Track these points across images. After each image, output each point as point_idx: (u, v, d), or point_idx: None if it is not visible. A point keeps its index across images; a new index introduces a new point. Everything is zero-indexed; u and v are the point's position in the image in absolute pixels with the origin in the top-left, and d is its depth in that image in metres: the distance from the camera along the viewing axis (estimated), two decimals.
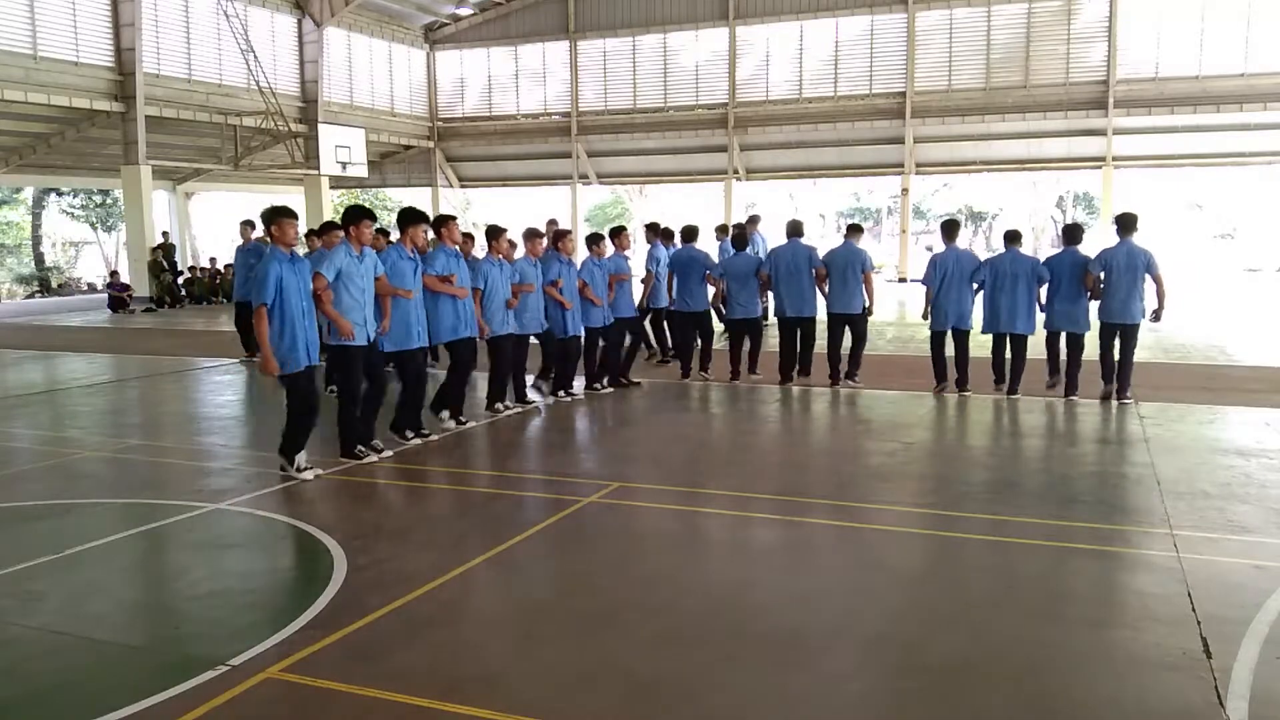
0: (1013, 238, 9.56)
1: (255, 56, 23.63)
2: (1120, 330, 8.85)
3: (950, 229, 9.84)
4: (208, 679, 3.66)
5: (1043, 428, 8.27)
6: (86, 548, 5.39)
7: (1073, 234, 9.53)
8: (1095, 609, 4.30)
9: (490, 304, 8.70)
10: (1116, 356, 8.92)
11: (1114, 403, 8.92)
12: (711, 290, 10.88)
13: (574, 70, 29.33)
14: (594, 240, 10.13)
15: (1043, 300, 9.31)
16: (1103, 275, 8.90)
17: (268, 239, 6.67)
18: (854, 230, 10.45)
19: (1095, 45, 24.45)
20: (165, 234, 24.88)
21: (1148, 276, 8.82)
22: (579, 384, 10.12)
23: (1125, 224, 8.95)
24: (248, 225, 13.02)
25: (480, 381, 9.57)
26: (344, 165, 25.35)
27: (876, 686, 3.65)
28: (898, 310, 19.28)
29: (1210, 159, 25.58)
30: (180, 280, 24.60)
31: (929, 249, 35.57)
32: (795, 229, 10.55)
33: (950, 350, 9.66)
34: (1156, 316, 9.06)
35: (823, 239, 36.16)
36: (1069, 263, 9.15)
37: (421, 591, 4.57)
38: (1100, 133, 24.86)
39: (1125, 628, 4.08)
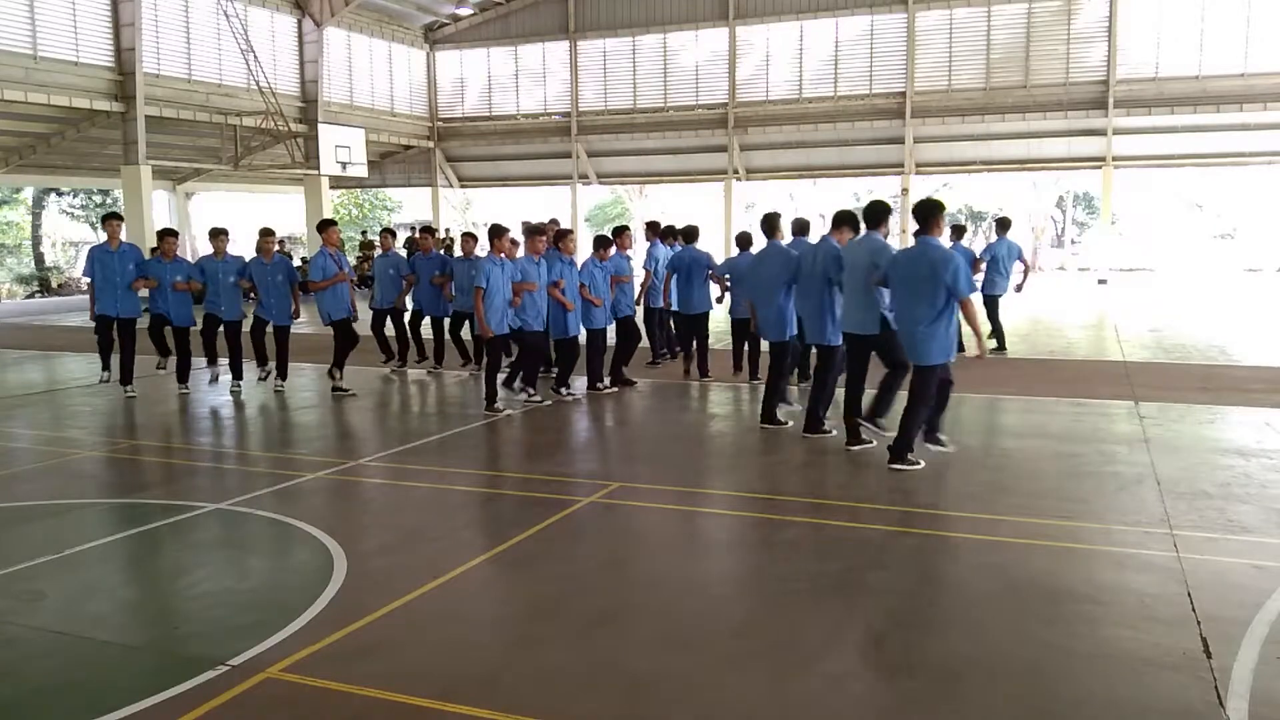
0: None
1: (255, 56, 23.61)
2: (999, 299, 12.28)
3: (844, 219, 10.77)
4: (208, 679, 3.66)
5: (1042, 428, 8.26)
6: (86, 548, 5.39)
7: (959, 231, 12.05)
8: (1095, 609, 4.29)
9: (492, 303, 8.72)
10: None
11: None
12: (716, 290, 10.88)
13: (574, 70, 29.31)
14: (601, 244, 10.12)
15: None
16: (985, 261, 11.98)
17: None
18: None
19: (1095, 45, 24.44)
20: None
21: (1019, 262, 12.54)
22: (579, 384, 10.13)
23: (1004, 224, 12.99)
24: (115, 220, 10.45)
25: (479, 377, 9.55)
26: (344, 165, 25.33)
27: (876, 686, 3.65)
28: None
29: (1210, 159, 25.57)
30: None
31: None
32: (801, 228, 10.52)
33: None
34: (1020, 288, 13.06)
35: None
36: (961, 253, 11.18)
37: (421, 591, 4.57)
38: (1100, 133, 24.84)
39: (1125, 628, 4.07)
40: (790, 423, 8.24)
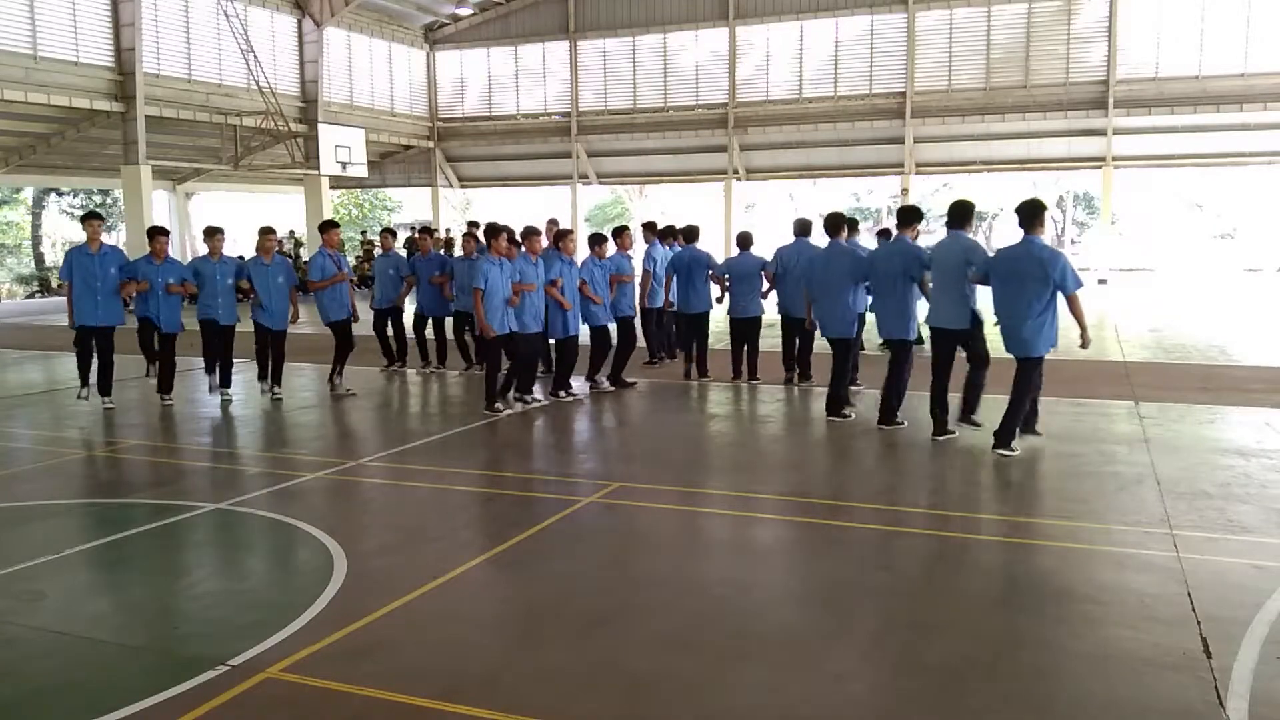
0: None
1: (255, 56, 23.61)
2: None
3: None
4: (208, 679, 3.66)
5: (1042, 428, 8.25)
6: (86, 548, 5.40)
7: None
8: (1095, 609, 4.29)
9: (490, 303, 8.71)
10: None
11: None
12: (716, 289, 10.88)
13: (574, 70, 29.32)
14: (596, 241, 10.13)
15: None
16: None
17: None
18: (851, 227, 10.40)
19: (1095, 45, 24.44)
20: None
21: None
22: (579, 384, 10.13)
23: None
24: (95, 219, 9.48)
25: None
26: (344, 165, 25.33)
27: (876, 686, 3.65)
28: None
29: (1210, 159, 25.57)
30: None
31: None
32: (803, 228, 10.57)
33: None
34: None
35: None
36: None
37: (421, 591, 4.57)
38: (1100, 133, 24.84)
39: (1125, 628, 4.08)
40: (853, 416, 8.49)
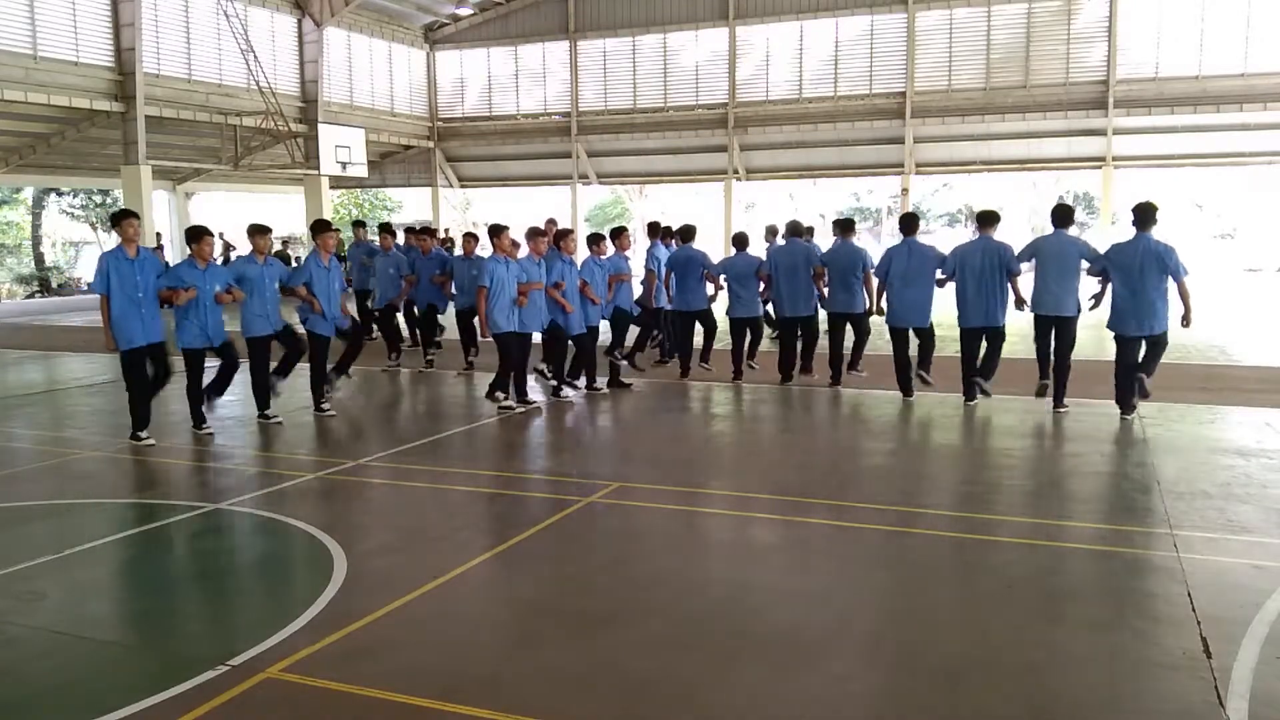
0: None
1: (255, 56, 23.60)
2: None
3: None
4: (208, 679, 3.66)
5: (1042, 428, 8.26)
6: (86, 548, 5.39)
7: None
8: (1095, 609, 4.30)
9: (496, 302, 8.72)
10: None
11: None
12: (710, 288, 10.88)
13: (574, 70, 29.31)
14: (595, 240, 10.15)
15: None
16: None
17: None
18: (846, 227, 10.41)
19: (1095, 45, 24.44)
20: (159, 235, 24.90)
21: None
22: (579, 384, 10.13)
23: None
24: (133, 218, 7.97)
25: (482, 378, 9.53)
26: (344, 165, 25.32)
27: (876, 686, 3.65)
28: None
29: (1210, 159, 25.55)
30: None
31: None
32: (796, 229, 10.57)
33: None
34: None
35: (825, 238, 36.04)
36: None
37: (421, 591, 4.57)
38: (1100, 133, 24.83)
39: (1125, 628, 4.08)
40: (988, 396, 9.01)
